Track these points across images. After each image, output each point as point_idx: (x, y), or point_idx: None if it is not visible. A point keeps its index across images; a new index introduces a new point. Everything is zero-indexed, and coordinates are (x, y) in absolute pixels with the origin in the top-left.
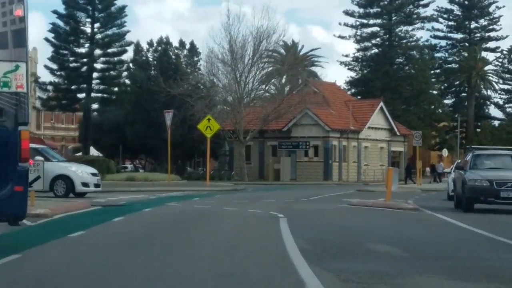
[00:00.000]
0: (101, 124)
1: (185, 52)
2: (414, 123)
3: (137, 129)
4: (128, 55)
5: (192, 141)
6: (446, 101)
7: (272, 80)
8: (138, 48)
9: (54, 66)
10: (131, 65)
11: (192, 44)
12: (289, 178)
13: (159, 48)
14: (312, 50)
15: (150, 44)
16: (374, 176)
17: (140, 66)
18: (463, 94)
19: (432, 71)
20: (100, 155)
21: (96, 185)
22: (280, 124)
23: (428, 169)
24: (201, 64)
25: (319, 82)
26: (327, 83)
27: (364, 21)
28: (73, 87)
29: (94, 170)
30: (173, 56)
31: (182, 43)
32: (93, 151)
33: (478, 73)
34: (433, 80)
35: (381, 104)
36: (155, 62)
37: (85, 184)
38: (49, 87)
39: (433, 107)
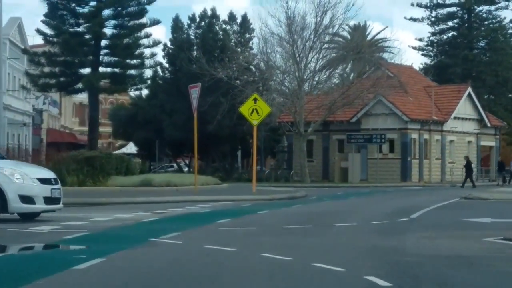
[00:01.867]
0: (133, 115)
1: (235, 27)
2: (500, 114)
3: (176, 121)
4: (160, 29)
5: (242, 134)
6: None
7: (338, 69)
8: (177, 25)
9: (49, 31)
10: (168, 44)
11: (244, 18)
12: (359, 179)
13: (202, 23)
14: (381, 31)
15: (192, 19)
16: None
17: (179, 46)
18: None
19: None
20: (135, 152)
21: (51, 200)
22: (347, 114)
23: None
24: (253, 42)
25: (394, 64)
26: (403, 66)
27: (440, 0)
28: (75, 60)
29: (49, 175)
30: (221, 33)
31: (232, 17)
32: (132, 148)
33: None
34: None
35: (469, 89)
36: (197, 40)
37: (26, 199)
38: (42, 60)
39: None
